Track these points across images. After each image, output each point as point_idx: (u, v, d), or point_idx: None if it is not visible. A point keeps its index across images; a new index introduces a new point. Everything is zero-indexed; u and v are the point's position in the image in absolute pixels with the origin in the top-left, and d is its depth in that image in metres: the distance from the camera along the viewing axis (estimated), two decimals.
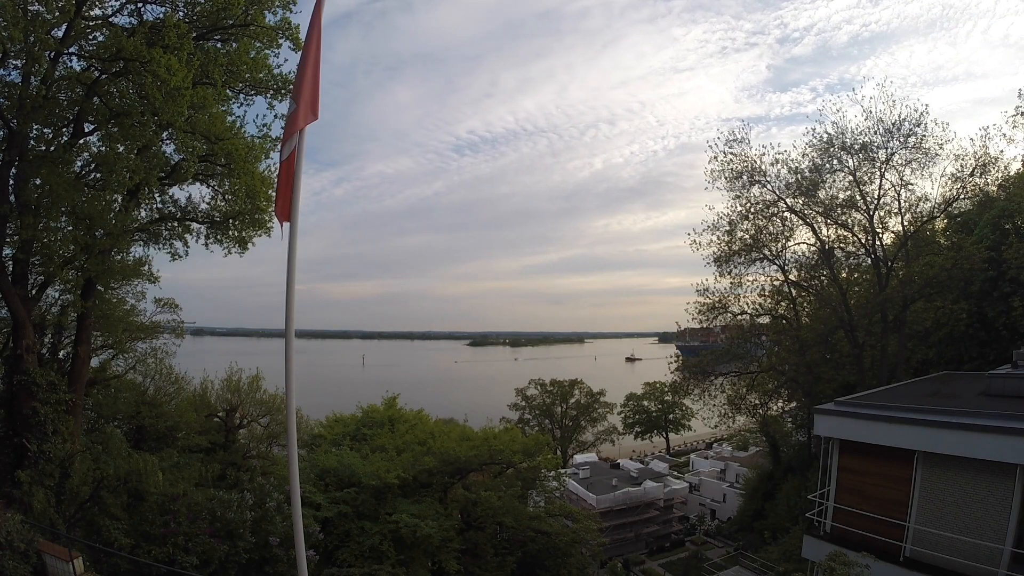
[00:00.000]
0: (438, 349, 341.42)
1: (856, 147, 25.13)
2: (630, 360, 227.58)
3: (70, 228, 13.43)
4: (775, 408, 32.93)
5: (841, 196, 26.17)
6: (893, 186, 24.99)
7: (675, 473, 52.64)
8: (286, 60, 14.69)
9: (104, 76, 12.57)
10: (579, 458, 52.98)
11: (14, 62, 12.00)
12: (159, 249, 16.56)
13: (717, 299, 29.66)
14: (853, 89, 25.45)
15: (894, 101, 23.97)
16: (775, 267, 28.32)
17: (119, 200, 13.84)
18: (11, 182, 12.70)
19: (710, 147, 27.45)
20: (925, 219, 25.28)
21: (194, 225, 16.34)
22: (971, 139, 23.83)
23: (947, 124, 24.03)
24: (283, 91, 14.70)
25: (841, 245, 27.03)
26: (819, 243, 26.90)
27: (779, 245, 27.80)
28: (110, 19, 12.86)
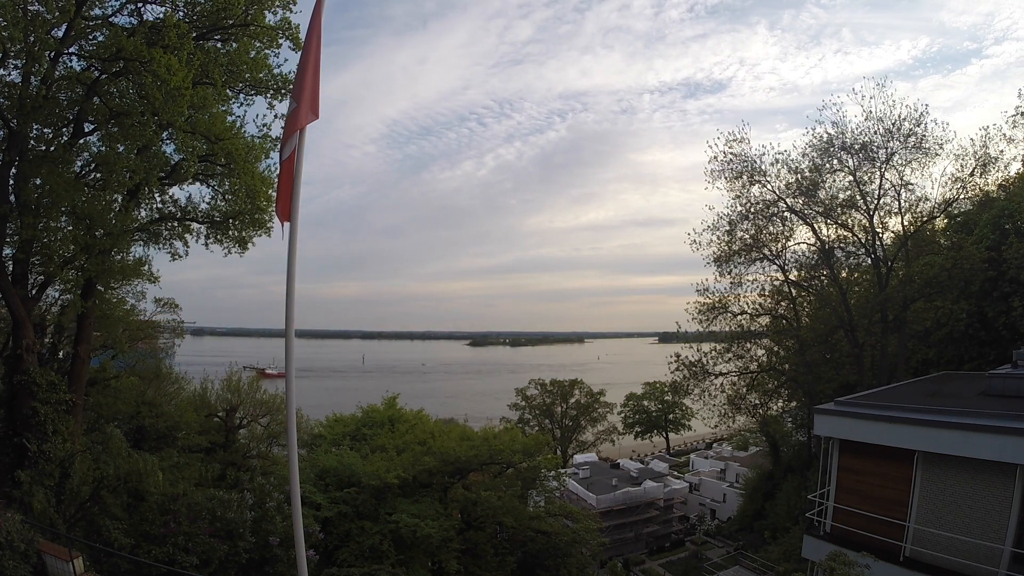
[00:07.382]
0: (439, 349, 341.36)
1: (856, 147, 25.18)
2: None
3: (70, 228, 13.38)
4: (775, 408, 32.97)
5: (841, 196, 26.27)
6: (893, 186, 25.07)
7: (675, 473, 52.64)
8: (286, 60, 14.66)
9: (104, 76, 12.55)
10: (579, 458, 52.97)
11: (14, 62, 11.95)
12: (159, 249, 16.50)
13: (717, 299, 29.77)
14: (854, 89, 25.40)
15: (894, 101, 24.08)
16: (775, 267, 28.42)
17: (119, 200, 13.81)
18: (11, 182, 12.67)
19: (710, 147, 27.56)
20: (925, 219, 25.31)
21: (194, 225, 16.30)
22: (971, 139, 23.93)
23: (947, 124, 24.16)
24: (283, 91, 14.65)
25: (841, 245, 27.10)
26: (819, 243, 26.94)
27: (779, 245, 27.90)
28: (110, 19, 12.82)
